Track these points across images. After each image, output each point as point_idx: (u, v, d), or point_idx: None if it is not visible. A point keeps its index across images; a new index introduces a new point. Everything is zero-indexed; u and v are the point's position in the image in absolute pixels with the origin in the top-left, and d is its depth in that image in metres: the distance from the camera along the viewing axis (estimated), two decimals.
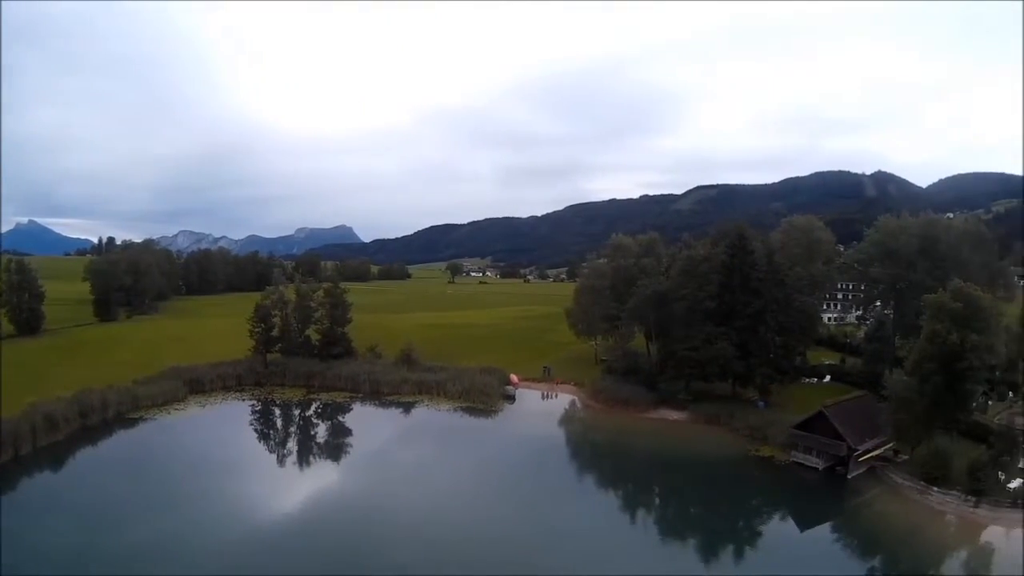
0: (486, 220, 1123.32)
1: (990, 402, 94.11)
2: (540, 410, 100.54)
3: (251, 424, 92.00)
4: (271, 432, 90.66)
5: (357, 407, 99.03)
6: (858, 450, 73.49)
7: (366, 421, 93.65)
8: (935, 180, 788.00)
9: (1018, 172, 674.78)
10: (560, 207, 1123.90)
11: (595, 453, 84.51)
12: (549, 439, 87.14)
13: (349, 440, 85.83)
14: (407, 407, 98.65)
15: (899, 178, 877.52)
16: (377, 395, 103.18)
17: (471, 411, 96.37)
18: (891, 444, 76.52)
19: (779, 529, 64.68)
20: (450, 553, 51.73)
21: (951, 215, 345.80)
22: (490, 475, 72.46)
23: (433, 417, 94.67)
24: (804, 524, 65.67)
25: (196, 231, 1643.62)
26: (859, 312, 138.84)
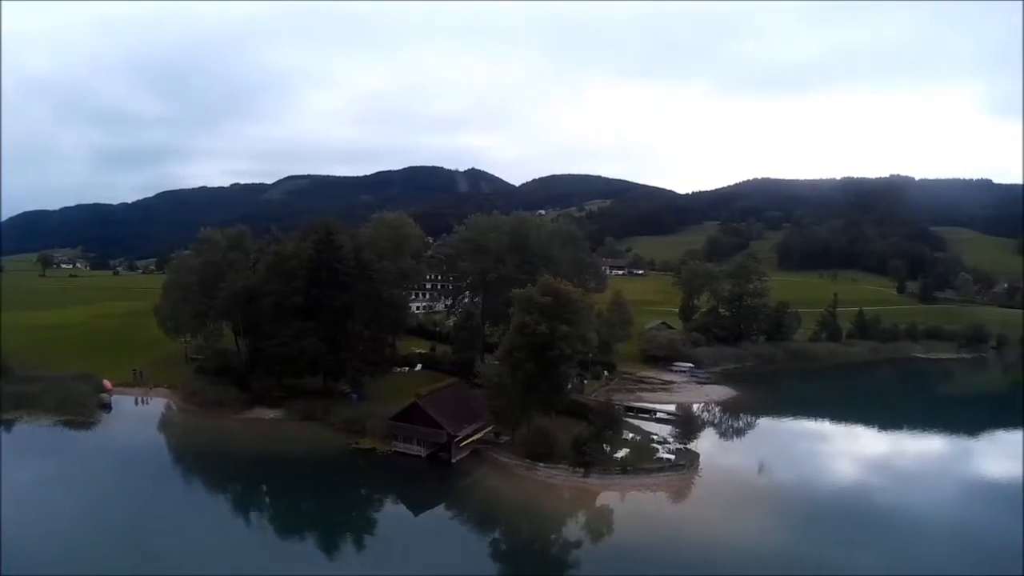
0: (77, 207, 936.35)
1: (586, 382, 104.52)
2: (137, 417, 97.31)
3: None
4: None
5: None
6: (458, 436, 75.34)
7: None
8: (529, 179, 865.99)
9: (612, 175, 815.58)
10: (151, 194, 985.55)
11: (198, 458, 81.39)
12: (149, 448, 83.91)
13: None
14: (8, 425, 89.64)
15: (492, 175, 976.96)
16: None
17: (71, 424, 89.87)
18: (491, 427, 79.94)
19: (394, 515, 66.94)
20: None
21: (543, 212, 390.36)
22: (93, 492, 66.83)
23: (35, 435, 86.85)
24: (417, 508, 68.36)
25: None
26: (448, 302, 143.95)
